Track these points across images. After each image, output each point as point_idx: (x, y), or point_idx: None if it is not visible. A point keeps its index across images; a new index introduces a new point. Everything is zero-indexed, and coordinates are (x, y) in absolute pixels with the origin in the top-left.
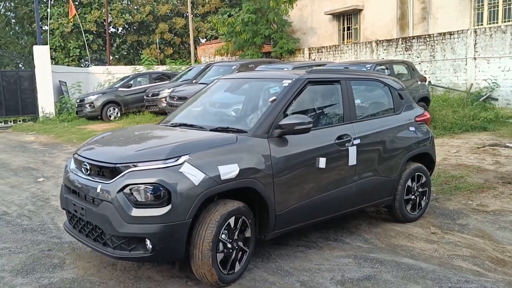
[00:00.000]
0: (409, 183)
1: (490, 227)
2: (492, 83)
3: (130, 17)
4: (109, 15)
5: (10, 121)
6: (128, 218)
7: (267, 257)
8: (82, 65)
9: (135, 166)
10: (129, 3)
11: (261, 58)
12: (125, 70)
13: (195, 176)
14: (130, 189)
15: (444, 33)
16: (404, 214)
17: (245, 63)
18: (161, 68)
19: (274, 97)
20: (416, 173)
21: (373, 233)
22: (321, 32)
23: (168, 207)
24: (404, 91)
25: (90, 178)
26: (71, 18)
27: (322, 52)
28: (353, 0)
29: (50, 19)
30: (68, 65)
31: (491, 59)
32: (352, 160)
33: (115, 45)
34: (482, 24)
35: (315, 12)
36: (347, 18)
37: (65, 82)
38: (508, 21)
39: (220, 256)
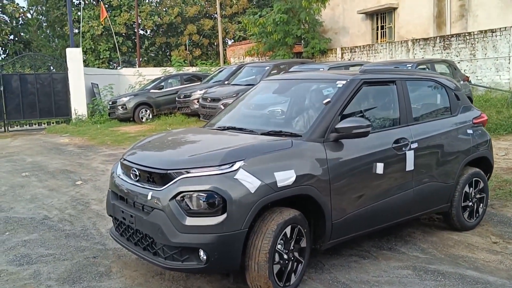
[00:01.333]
0: (466, 189)
1: None
2: None
3: (159, 19)
4: (138, 17)
5: (44, 123)
6: (181, 227)
7: (320, 267)
8: (111, 67)
9: (187, 172)
10: (157, 5)
11: (292, 58)
12: (155, 72)
13: (251, 183)
14: (183, 197)
15: (485, 31)
16: (462, 221)
17: (277, 64)
18: (191, 70)
19: (328, 99)
20: (474, 178)
21: (429, 242)
22: (353, 31)
23: (223, 216)
24: (460, 91)
25: (139, 185)
26: (102, 21)
27: (355, 52)
28: None
29: (81, 22)
30: (98, 67)
31: None
32: (410, 165)
33: (143, 47)
34: None
35: (347, 11)
36: (380, 17)
37: (97, 84)
38: None
39: (276, 268)
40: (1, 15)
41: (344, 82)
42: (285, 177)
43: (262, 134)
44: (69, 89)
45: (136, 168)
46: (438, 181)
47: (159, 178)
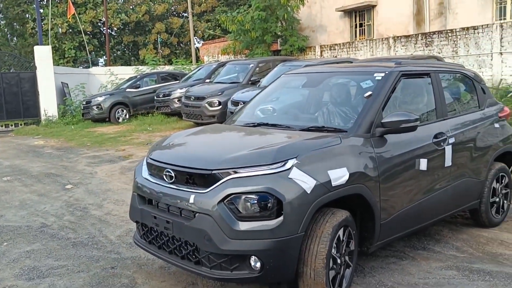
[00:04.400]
0: (494, 184)
1: None
2: None
3: (126, 17)
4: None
5: (11, 125)
6: (233, 233)
7: (360, 270)
8: (76, 66)
9: (235, 172)
10: (124, 3)
11: (270, 56)
12: (127, 71)
13: (306, 182)
14: (232, 199)
15: (468, 28)
16: (490, 218)
17: (261, 61)
18: (166, 68)
19: (370, 92)
20: (501, 174)
21: (461, 240)
22: (331, 29)
23: (279, 219)
24: (485, 85)
25: (176, 187)
26: (69, 18)
27: (334, 49)
28: None
29: (45, 19)
30: (63, 67)
31: None
32: (448, 160)
33: (109, 45)
34: (505, 19)
35: (325, 9)
36: (359, 15)
37: (67, 84)
38: None
39: (331, 273)
40: None
41: (382, 74)
42: (339, 176)
43: (301, 130)
44: (38, 89)
45: (171, 169)
46: (472, 177)
47: (202, 179)
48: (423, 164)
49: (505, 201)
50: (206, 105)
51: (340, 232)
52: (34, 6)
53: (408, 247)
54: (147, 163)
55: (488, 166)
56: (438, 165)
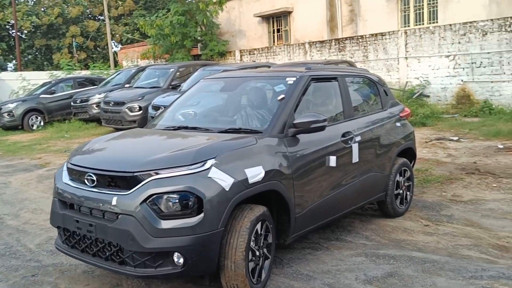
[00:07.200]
0: (397, 178)
1: (474, 216)
2: (424, 81)
3: (38, 19)
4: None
5: None
6: (155, 231)
7: (279, 262)
8: None
9: (156, 173)
10: (35, 5)
11: (190, 61)
12: (41, 76)
13: (225, 181)
14: (155, 199)
15: (376, 34)
16: (395, 208)
17: (182, 66)
18: (83, 73)
19: (282, 95)
20: (403, 168)
21: (370, 229)
22: (250, 34)
23: (200, 216)
24: (387, 87)
25: (97, 190)
26: None
27: (254, 54)
28: (282, 2)
29: None
30: None
31: (421, 58)
32: (355, 157)
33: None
34: (409, 26)
35: (243, 14)
36: (276, 20)
37: None
38: (433, 22)
39: (251, 265)
40: None
41: (294, 79)
42: (255, 173)
43: (219, 132)
44: None
45: (93, 173)
46: (377, 171)
47: (123, 181)
48: (332, 161)
49: (408, 193)
50: (127, 110)
51: (258, 226)
52: None
53: (322, 239)
54: (68, 168)
55: (392, 161)
56: (346, 162)
